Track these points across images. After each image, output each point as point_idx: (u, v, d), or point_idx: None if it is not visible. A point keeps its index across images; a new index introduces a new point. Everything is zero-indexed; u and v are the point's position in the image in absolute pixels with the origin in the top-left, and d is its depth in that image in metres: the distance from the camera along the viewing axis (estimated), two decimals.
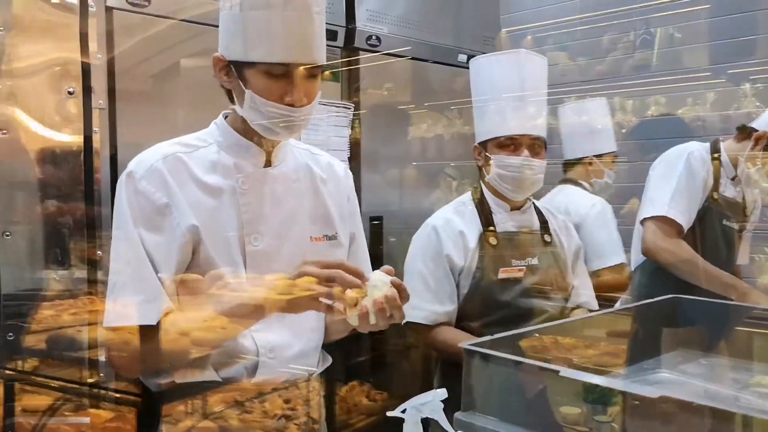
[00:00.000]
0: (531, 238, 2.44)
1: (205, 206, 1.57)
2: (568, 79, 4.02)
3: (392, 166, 3.29)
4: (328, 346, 1.85)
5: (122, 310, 1.49)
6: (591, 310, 2.45)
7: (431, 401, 1.37)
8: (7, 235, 1.90)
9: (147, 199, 1.53)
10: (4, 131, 1.89)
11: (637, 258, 2.96)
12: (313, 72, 1.59)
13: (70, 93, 1.97)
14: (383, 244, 3.12)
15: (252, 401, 1.68)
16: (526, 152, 2.29)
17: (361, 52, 3.10)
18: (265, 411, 1.68)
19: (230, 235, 1.59)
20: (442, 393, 1.33)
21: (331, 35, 2.97)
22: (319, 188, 1.77)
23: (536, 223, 2.47)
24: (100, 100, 2.06)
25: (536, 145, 2.32)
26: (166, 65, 2.41)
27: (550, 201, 3.63)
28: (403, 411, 1.31)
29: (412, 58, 3.31)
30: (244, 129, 1.64)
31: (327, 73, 3.05)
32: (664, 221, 2.72)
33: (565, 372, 0.96)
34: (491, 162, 2.35)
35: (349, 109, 3.04)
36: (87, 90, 2.00)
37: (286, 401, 1.74)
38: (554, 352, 1.71)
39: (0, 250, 1.91)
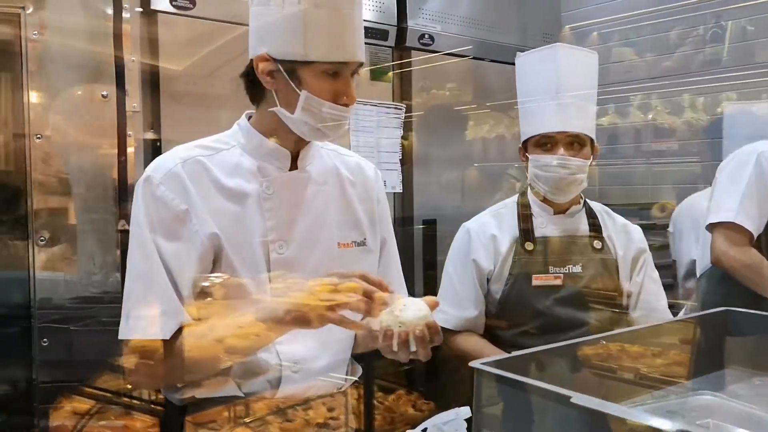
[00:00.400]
0: (575, 244, 2.31)
1: (227, 212, 1.51)
2: (634, 76, 3.85)
3: (446, 168, 3.21)
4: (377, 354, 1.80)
5: (135, 323, 1.44)
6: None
7: (454, 420, 1.31)
8: (42, 240, 1.91)
9: (165, 206, 1.47)
10: (39, 135, 1.90)
11: (703, 265, 2.79)
12: (356, 71, 1.54)
13: (103, 96, 1.97)
14: (437, 248, 3.04)
15: (295, 409, 1.63)
16: (562, 151, 2.18)
17: (413, 51, 3.04)
18: (307, 420, 1.63)
19: (254, 242, 1.52)
20: (465, 411, 1.26)
21: (382, 35, 2.92)
22: (347, 191, 1.70)
23: (584, 228, 2.33)
24: (134, 103, 2.04)
25: (575, 143, 2.20)
26: (212, 67, 2.40)
27: (691, 203, 3.45)
28: (424, 430, 1.25)
29: (468, 57, 3.23)
30: (270, 130, 1.57)
31: (388, 75, 3.01)
32: (732, 228, 2.54)
33: (577, 399, 0.87)
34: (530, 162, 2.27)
35: (401, 109, 2.98)
36: (121, 93, 1.99)
37: (330, 409, 1.69)
38: (620, 361, 1.60)
39: (35, 254, 1.91)
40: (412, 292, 3.00)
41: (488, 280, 2.27)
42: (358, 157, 1.81)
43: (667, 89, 3.61)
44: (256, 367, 1.53)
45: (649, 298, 2.34)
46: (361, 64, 1.53)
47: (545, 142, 2.21)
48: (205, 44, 2.37)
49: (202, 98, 2.37)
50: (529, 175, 2.26)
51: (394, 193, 3.01)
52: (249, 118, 1.63)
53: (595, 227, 2.34)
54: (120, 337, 1.45)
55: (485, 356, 1.75)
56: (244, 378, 1.53)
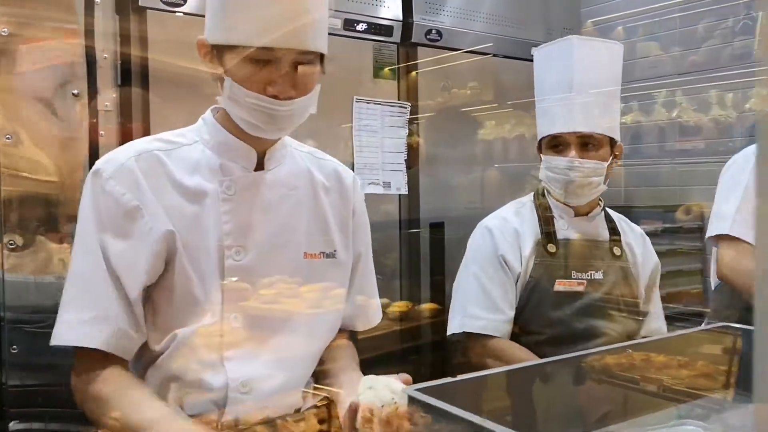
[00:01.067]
0: (597, 249, 2.19)
1: (183, 212, 1.40)
2: (659, 72, 3.67)
3: (455, 170, 3.08)
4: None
5: (62, 327, 1.34)
6: None
7: None
8: (11, 244, 1.85)
9: (114, 201, 1.36)
10: (9, 136, 1.83)
11: (715, 278, 2.61)
12: (305, 60, 1.39)
13: (74, 95, 1.90)
14: (444, 252, 2.93)
15: (285, 419, 1.55)
16: (573, 152, 2.06)
17: (420, 48, 2.92)
18: None
19: (210, 246, 1.42)
20: None
21: (387, 31, 2.82)
22: (319, 197, 1.59)
23: (604, 233, 2.23)
24: (106, 102, 1.97)
25: (589, 144, 2.08)
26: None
27: None
28: None
29: (478, 54, 3.10)
30: (234, 125, 1.45)
31: (393, 72, 2.90)
32: (733, 240, 2.32)
33: None
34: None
35: (406, 108, 2.87)
36: (92, 92, 1.92)
37: (321, 421, 1.61)
38: (643, 371, 1.54)
39: (4, 259, 1.85)
40: (418, 298, 2.92)
41: (515, 282, 2.15)
42: (336, 162, 1.70)
43: (694, 85, 3.44)
44: (200, 389, 1.42)
45: (658, 312, 2.28)
46: (311, 54, 1.40)
47: (557, 143, 2.11)
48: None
49: (194, 96, 2.29)
50: (542, 176, 2.16)
51: (400, 195, 2.90)
52: (217, 112, 1.52)
53: (614, 233, 2.23)
54: (51, 343, 1.35)
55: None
56: (186, 399, 1.42)
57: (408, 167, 2.91)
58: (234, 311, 1.43)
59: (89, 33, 1.93)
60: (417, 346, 2.79)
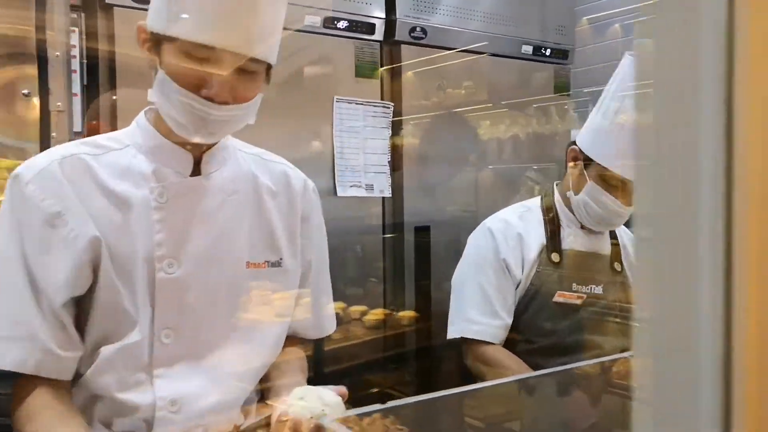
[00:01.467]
0: (599, 263, 2.13)
1: (111, 218, 1.30)
2: None
3: (441, 172, 2.98)
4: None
5: None
6: None
7: None
8: None
9: (34, 207, 1.26)
10: None
11: None
12: (249, 67, 1.29)
13: (25, 95, 1.81)
14: (430, 256, 2.82)
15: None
16: (624, 196, 1.98)
17: (403, 46, 2.82)
18: None
19: (139, 258, 1.31)
20: None
21: (369, 29, 2.72)
22: (264, 202, 1.49)
23: (607, 247, 2.16)
24: (58, 102, 1.88)
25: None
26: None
27: None
28: None
29: (465, 52, 2.99)
30: (170, 128, 1.34)
31: (375, 71, 2.81)
32: None
33: None
34: (585, 184, 2.03)
35: (389, 108, 2.77)
36: (43, 92, 1.83)
37: None
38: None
39: None
40: (402, 305, 2.82)
41: (515, 287, 2.08)
42: (287, 164, 1.59)
43: None
44: (126, 408, 1.32)
45: None
46: (256, 62, 1.30)
47: (612, 179, 1.98)
48: None
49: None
50: (578, 195, 2.04)
51: (383, 197, 2.80)
52: (152, 114, 1.41)
53: (616, 248, 2.16)
54: None
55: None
56: (114, 419, 1.33)
57: (393, 169, 2.81)
58: (165, 326, 1.34)
59: (40, 29, 1.84)
60: (397, 355, 2.69)
